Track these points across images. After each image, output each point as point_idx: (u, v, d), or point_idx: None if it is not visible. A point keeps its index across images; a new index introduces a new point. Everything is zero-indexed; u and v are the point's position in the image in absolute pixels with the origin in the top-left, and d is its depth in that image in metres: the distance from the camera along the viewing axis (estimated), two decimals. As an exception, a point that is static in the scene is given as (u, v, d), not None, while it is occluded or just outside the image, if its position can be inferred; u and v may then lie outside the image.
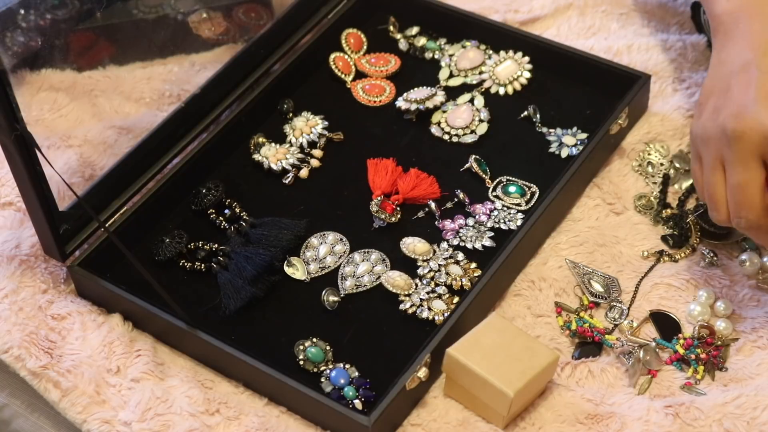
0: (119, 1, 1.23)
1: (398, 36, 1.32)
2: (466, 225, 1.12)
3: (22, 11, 1.14)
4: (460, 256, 1.09)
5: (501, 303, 1.07)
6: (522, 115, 1.21)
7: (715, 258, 1.08)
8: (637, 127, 1.22)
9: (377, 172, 1.16)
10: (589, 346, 1.03)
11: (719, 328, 1.03)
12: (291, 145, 1.21)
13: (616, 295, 1.06)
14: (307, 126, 1.22)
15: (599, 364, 1.02)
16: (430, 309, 1.05)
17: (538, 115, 1.20)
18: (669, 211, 1.13)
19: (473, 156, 1.18)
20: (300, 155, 1.20)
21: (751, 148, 0.95)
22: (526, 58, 1.27)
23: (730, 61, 1.01)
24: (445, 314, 1.04)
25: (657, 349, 1.02)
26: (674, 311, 1.05)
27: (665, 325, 1.04)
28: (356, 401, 0.98)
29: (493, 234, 1.11)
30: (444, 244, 1.10)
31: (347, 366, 1.01)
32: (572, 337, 1.04)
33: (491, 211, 1.13)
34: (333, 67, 1.28)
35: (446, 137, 1.21)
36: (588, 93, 1.24)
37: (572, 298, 1.07)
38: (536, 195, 1.14)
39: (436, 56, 1.30)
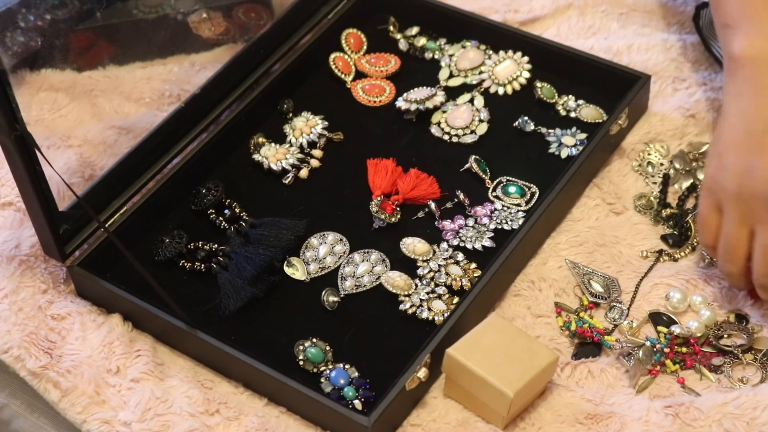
0: (119, 1, 1.23)
1: (398, 36, 1.32)
2: (465, 225, 1.12)
3: (23, 11, 1.14)
4: (460, 256, 1.09)
5: (501, 303, 1.07)
6: (515, 124, 1.21)
7: (715, 258, 1.08)
8: (637, 127, 1.22)
9: (377, 173, 1.16)
10: (588, 346, 1.03)
11: (691, 327, 1.03)
12: (291, 145, 1.21)
13: (616, 295, 1.06)
14: (307, 126, 1.22)
15: (599, 365, 1.02)
16: (430, 309, 1.05)
17: (531, 125, 1.20)
18: (669, 210, 1.13)
19: (473, 156, 1.18)
20: (300, 155, 1.20)
21: (752, 208, 0.97)
22: (526, 58, 1.27)
23: (756, 117, 1.00)
24: (445, 314, 1.04)
25: (654, 349, 1.02)
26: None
27: (664, 325, 1.04)
28: (356, 401, 0.98)
29: (492, 234, 1.11)
30: (444, 245, 1.10)
31: (347, 366, 1.01)
32: (572, 337, 1.04)
33: (492, 212, 1.13)
34: (333, 67, 1.28)
35: (446, 137, 1.21)
36: (588, 93, 1.24)
37: (572, 299, 1.07)
38: (536, 195, 1.14)
39: (436, 56, 1.30)
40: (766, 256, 0.98)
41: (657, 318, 1.05)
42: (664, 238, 1.11)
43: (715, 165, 1.02)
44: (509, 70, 1.26)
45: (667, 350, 1.01)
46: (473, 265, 1.08)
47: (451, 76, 1.27)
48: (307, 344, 1.02)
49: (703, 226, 1.03)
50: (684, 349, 1.02)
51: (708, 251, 1.06)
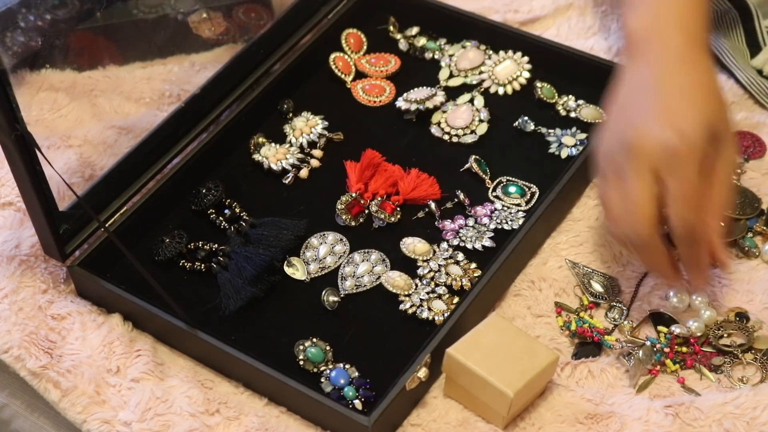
0: (119, 1, 1.23)
1: (398, 36, 1.32)
2: (466, 225, 1.12)
3: (23, 11, 1.14)
4: (460, 256, 1.09)
5: (501, 303, 1.07)
6: (515, 124, 1.21)
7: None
8: (637, 127, 1.22)
9: (353, 169, 1.16)
10: (588, 346, 1.03)
11: (691, 327, 1.03)
12: (291, 145, 1.21)
13: (616, 295, 1.06)
14: (307, 126, 1.22)
15: (599, 365, 1.02)
16: (430, 309, 1.05)
17: (531, 125, 1.20)
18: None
19: (473, 156, 1.18)
20: (300, 155, 1.20)
21: (648, 161, 0.95)
22: (526, 58, 1.27)
23: (631, 80, 1.02)
24: (445, 314, 1.04)
25: (655, 349, 1.02)
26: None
27: (665, 325, 1.04)
28: (356, 401, 0.98)
29: (493, 234, 1.11)
30: (444, 245, 1.10)
31: (347, 366, 1.01)
32: (572, 337, 1.04)
33: (492, 211, 1.13)
34: (333, 67, 1.28)
35: (446, 137, 1.21)
36: (588, 93, 1.24)
37: (572, 299, 1.07)
38: (536, 195, 1.14)
39: (436, 56, 1.30)
40: (628, 205, 0.96)
41: (657, 318, 1.05)
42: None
43: (603, 126, 1.02)
44: (509, 70, 1.26)
45: (667, 350, 1.01)
46: (473, 265, 1.08)
47: (451, 76, 1.27)
48: (307, 344, 1.02)
49: (599, 196, 1.03)
50: (684, 349, 1.02)
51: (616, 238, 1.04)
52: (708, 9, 1.05)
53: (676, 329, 1.02)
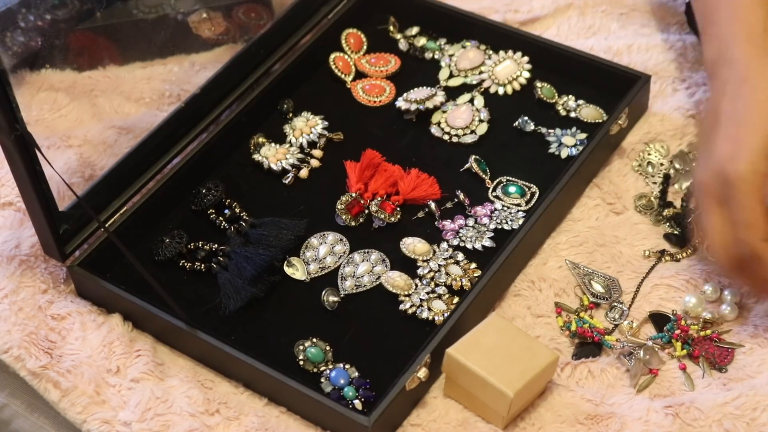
0: (119, 1, 1.23)
1: (398, 36, 1.32)
2: (465, 225, 1.12)
3: (23, 11, 1.14)
4: (460, 256, 1.09)
5: (501, 303, 1.07)
6: (515, 124, 1.21)
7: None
8: (637, 127, 1.22)
9: (353, 171, 1.16)
10: (588, 346, 1.03)
11: (724, 312, 1.03)
12: (291, 145, 1.21)
13: (617, 295, 1.06)
14: (307, 126, 1.22)
15: (599, 365, 1.02)
16: (430, 309, 1.05)
17: (531, 125, 1.20)
18: (672, 210, 1.13)
19: (473, 156, 1.18)
20: (300, 155, 1.20)
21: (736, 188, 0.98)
22: (526, 58, 1.27)
23: (707, 110, 1.06)
24: (445, 314, 1.04)
25: (656, 347, 1.02)
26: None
27: (664, 325, 1.04)
28: (356, 401, 0.98)
29: (492, 234, 1.11)
30: (444, 245, 1.10)
31: (347, 366, 1.01)
32: (572, 337, 1.04)
33: (492, 211, 1.13)
34: (333, 67, 1.28)
35: (446, 137, 1.21)
36: (588, 93, 1.24)
37: (572, 298, 1.07)
38: (536, 195, 1.14)
39: (436, 56, 1.30)
40: (737, 230, 0.98)
41: (657, 318, 1.05)
42: (667, 236, 1.11)
43: (701, 155, 1.04)
44: (509, 70, 1.26)
45: (678, 331, 1.01)
46: (473, 265, 1.08)
47: (451, 76, 1.27)
48: (307, 344, 1.02)
49: (705, 234, 1.04)
50: (702, 333, 1.02)
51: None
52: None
53: (706, 314, 1.02)
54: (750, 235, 0.97)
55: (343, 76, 1.28)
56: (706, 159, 1.01)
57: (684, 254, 1.10)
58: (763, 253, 0.97)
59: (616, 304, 1.06)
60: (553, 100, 1.23)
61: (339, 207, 1.13)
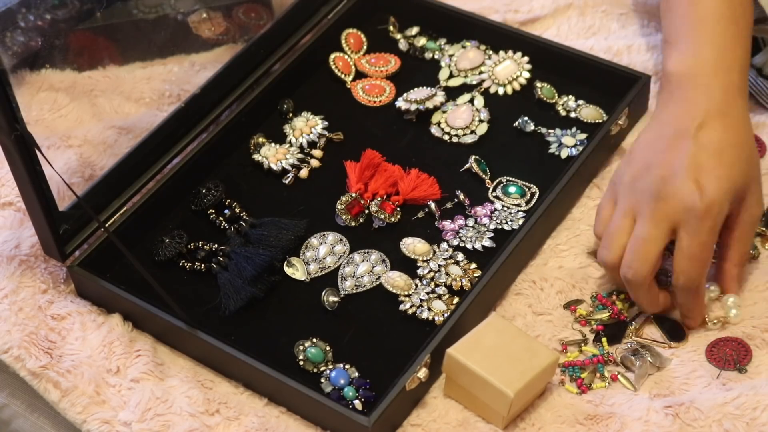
0: (119, 1, 1.22)
1: (398, 36, 1.32)
2: (465, 225, 1.12)
3: (23, 11, 1.14)
4: (460, 256, 1.09)
5: (502, 302, 1.07)
6: (515, 124, 1.21)
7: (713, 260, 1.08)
8: (638, 127, 1.22)
9: (353, 171, 1.16)
10: (614, 326, 1.03)
11: (729, 314, 1.04)
12: (291, 145, 1.21)
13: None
14: (307, 126, 1.22)
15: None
16: (430, 309, 1.05)
17: (531, 125, 1.20)
18: None
19: (473, 156, 1.18)
20: (300, 155, 1.20)
21: (667, 212, 0.99)
22: (526, 58, 1.27)
23: (669, 122, 1.04)
24: (445, 314, 1.04)
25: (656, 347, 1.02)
26: (675, 312, 1.05)
27: (670, 326, 1.04)
28: (356, 401, 0.98)
29: (493, 234, 1.11)
30: (444, 245, 1.10)
31: (347, 366, 1.01)
32: (591, 324, 1.04)
33: (492, 212, 1.13)
34: (333, 67, 1.28)
35: (446, 137, 1.21)
36: (588, 93, 1.24)
37: (572, 298, 1.07)
38: (536, 195, 1.14)
39: (436, 56, 1.30)
40: (637, 246, 1.00)
41: (660, 319, 1.05)
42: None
43: (623, 161, 1.06)
44: (509, 70, 1.26)
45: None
46: (473, 266, 1.08)
47: (451, 76, 1.27)
48: (307, 344, 1.02)
49: (597, 214, 1.06)
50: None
51: (597, 240, 1.07)
52: (748, 44, 1.09)
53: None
54: (694, 268, 0.99)
55: (343, 76, 1.28)
56: (658, 171, 1.01)
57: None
58: (699, 286, 1.00)
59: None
60: (553, 100, 1.23)
61: (339, 207, 1.13)
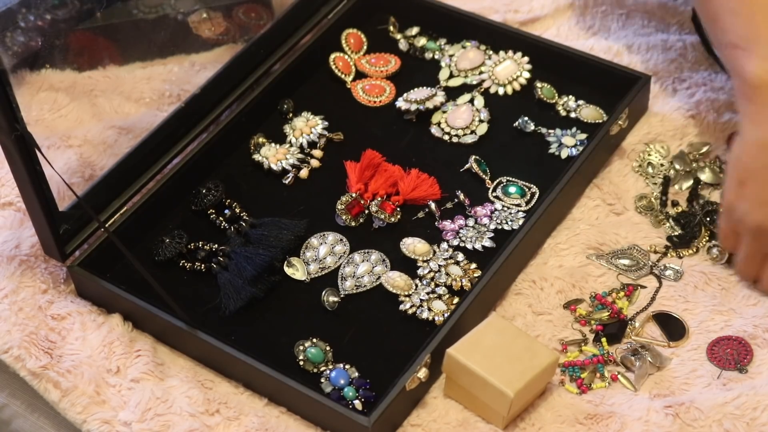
0: (119, 1, 1.23)
1: (398, 36, 1.32)
2: (466, 225, 1.12)
3: (23, 11, 1.14)
4: (460, 256, 1.09)
5: (502, 302, 1.07)
6: (515, 124, 1.21)
7: (718, 256, 1.08)
8: (637, 127, 1.22)
9: (353, 171, 1.16)
10: (613, 325, 1.03)
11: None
12: (291, 145, 1.21)
13: (645, 260, 1.08)
14: (307, 126, 1.22)
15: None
16: (430, 309, 1.05)
17: (531, 125, 1.20)
18: (678, 209, 1.13)
19: (473, 156, 1.18)
20: (300, 155, 1.20)
21: None
22: (526, 58, 1.27)
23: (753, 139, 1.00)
24: (445, 315, 1.04)
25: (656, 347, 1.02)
26: (675, 311, 1.05)
27: (670, 326, 1.04)
28: (356, 401, 0.98)
29: (493, 234, 1.11)
30: (444, 245, 1.10)
31: (347, 366, 1.01)
32: (590, 324, 1.04)
33: (492, 212, 1.13)
34: (333, 67, 1.28)
35: (446, 137, 1.21)
36: (588, 93, 1.24)
37: (572, 297, 1.07)
38: (536, 195, 1.14)
39: (436, 56, 1.30)
40: None
41: (660, 318, 1.05)
42: (669, 238, 1.11)
43: (734, 192, 1.03)
44: (509, 70, 1.26)
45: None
46: (473, 266, 1.08)
47: (451, 76, 1.27)
48: (307, 344, 1.02)
49: (723, 242, 1.07)
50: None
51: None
52: None
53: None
54: None
55: (343, 76, 1.28)
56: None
57: (686, 253, 1.10)
58: None
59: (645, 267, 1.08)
60: (553, 101, 1.23)
61: (339, 207, 1.13)
